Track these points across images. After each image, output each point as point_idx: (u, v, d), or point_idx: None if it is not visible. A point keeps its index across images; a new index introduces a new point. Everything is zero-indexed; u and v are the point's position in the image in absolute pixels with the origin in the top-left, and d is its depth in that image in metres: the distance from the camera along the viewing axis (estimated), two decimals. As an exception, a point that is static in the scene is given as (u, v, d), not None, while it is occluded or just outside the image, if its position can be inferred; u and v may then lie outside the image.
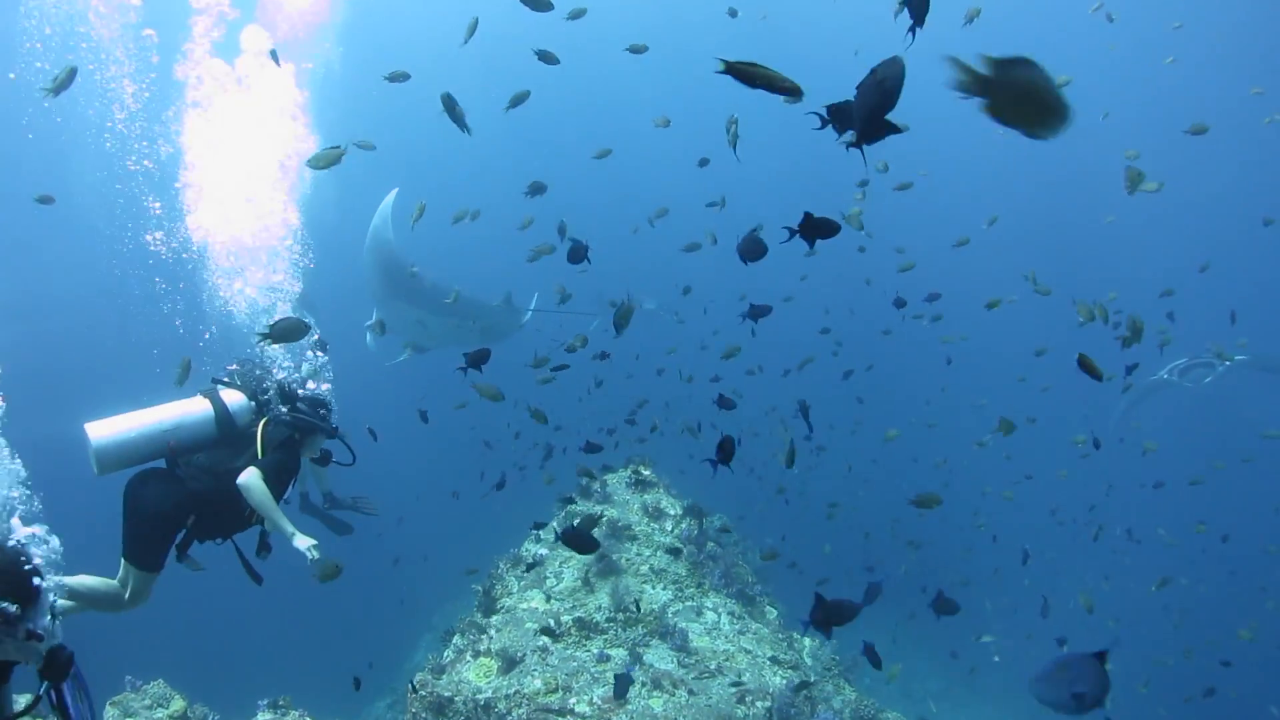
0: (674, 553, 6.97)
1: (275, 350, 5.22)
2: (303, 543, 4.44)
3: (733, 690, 5.28)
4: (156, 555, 4.56)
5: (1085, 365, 4.27)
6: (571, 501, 8.49)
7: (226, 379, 5.00)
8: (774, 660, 5.78)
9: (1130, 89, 26.89)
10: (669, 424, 11.54)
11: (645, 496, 7.89)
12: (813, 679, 5.70)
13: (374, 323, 12.58)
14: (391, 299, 12.88)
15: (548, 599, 7.14)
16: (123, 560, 4.57)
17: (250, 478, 4.41)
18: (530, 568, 7.63)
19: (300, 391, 5.03)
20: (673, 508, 7.67)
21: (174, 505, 4.49)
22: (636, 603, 6.35)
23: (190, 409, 4.61)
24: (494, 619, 7.23)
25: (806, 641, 6.64)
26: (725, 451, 4.03)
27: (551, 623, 6.62)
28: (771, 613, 6.81)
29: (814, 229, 3.33)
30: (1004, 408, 8.79)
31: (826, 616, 3.59)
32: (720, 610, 6.43)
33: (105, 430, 4.35)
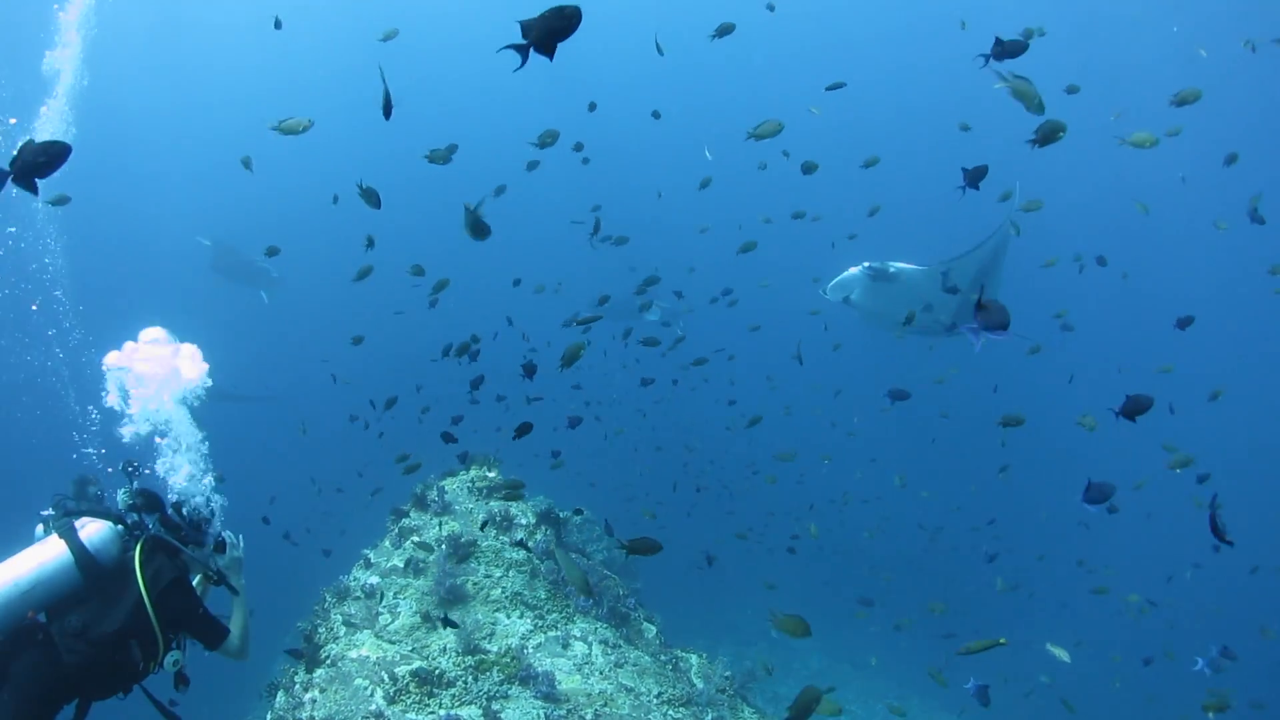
0: (531, 572, 5.89)
1: None
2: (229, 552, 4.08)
3: (615, 750, 4.29)
4: None
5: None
6: (405, 514, 7.23)
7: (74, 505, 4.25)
8: (661, 698, 4.84)
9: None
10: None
11: (492, 504, 6.72)
12: (708, 716, 4.82)
13: None
14: None
15: (381, 642, 5.90)
16: None
17: (233, 653, 3.95)
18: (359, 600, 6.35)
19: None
20: (524, 516, 6.55)
21: (52, 682, 3.55)
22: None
23: (44, 558, 3.62)
24: (318, 673, 5.92)
25: (694, 659, 5.77)
26: None
27: (385, 677, 5.39)
28: (650, 630, 5.87)
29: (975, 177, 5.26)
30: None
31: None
32: (591, 639, 5.41)
33: None
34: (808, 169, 7.73)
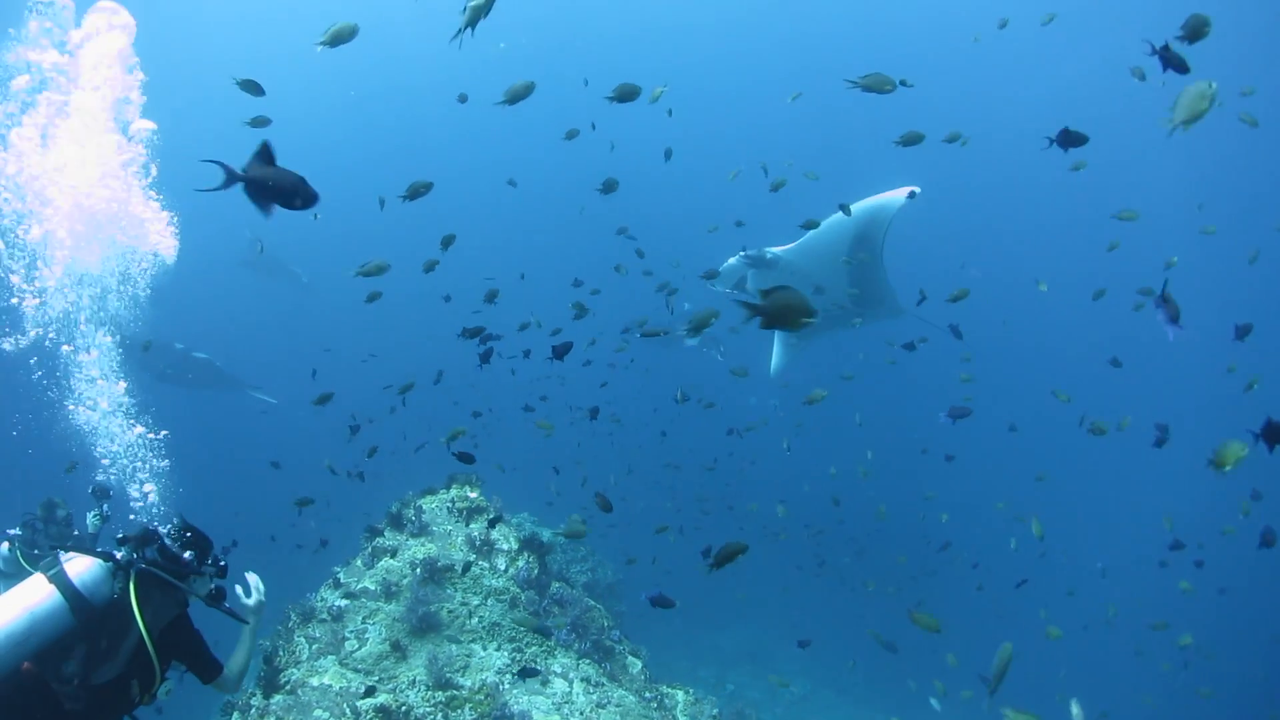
0: (511, 601, 5.52)
1: None
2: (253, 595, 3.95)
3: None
4: None
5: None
6: (380, 533, 6.85)
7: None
8: (644, 745, 4.49)
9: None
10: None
11: (472, 526, 6.35)
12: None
13: None
14: None
15: (345, 671, 5.52)
16: None
17: (225, 687, 3.78)
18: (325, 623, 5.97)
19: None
20: (506, 541, 6.18)
21: None
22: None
23: (34, 602, 3.36)
24: (275, 700, 5.54)
25: (680, 696, 5.40)
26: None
27: (347, 710, 5.00)
28: (635, 664, 5.50)
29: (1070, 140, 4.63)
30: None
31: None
32: (572, 675, 5.04)
33: None
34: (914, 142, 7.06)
